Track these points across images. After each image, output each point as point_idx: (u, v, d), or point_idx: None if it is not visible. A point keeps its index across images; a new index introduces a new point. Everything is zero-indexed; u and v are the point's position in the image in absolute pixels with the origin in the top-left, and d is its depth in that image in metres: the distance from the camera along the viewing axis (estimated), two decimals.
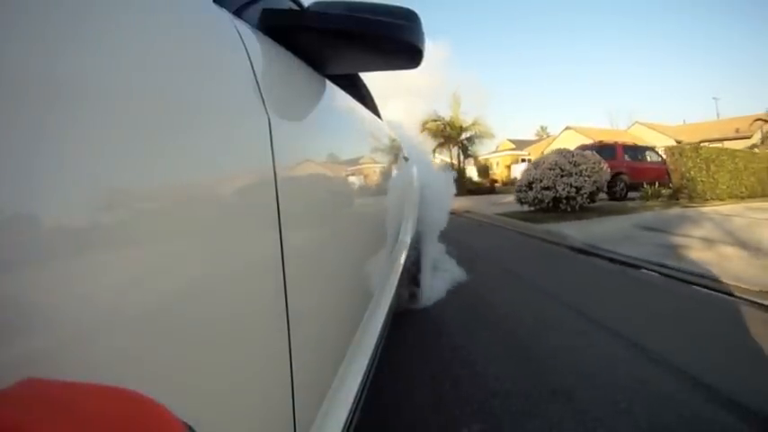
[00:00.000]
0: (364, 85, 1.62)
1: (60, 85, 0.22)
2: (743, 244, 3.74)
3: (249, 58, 0.43)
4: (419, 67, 0.74)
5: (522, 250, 4.40)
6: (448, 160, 16.18)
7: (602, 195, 8.51)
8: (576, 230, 4.72)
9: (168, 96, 0.30)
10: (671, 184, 8.69)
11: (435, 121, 16.05)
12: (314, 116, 0.65)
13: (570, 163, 6.43)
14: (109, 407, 0.18)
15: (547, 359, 1.65)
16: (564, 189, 6.30)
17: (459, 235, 4.54)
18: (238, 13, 0.52)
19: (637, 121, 27.45)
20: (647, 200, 8.59)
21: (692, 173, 8.55)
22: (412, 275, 2.17)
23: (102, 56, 0.25)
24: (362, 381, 0.72)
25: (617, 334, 1.93)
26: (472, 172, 19.23)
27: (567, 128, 26.97)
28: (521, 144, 30.40)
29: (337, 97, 0.86)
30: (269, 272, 0.41)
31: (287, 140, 0.48)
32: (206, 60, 0.37)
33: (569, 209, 6.37)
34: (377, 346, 0.88)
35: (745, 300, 2.42)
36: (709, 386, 1.44)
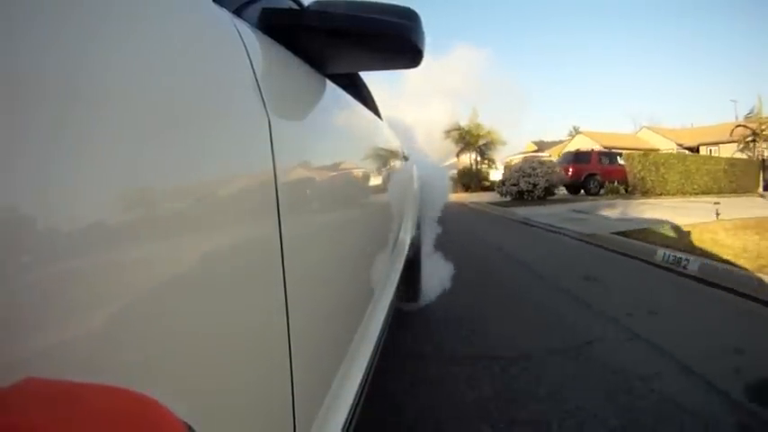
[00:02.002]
0: (364, 85, 1.62)
1: (58, 85, 0.22)
2: (623, 218, 6.00)
3: (249, 57, 0.43)
4: (418, 67, 0.74)
5: (482, 219, 7.50)
6: (467, 162, 20.27)
7: (582, 192, 12.45)
8: (525, 211, 7.41)
9: (167, 96, 0.30)
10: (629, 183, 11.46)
11: (457, 130, 20.08)
12: (314, 116, 0.65)
13: (530, 167, 9.77)
14: (109, 407, 0.18)
15: (463, 245, 3.85)
16: (524, 185, 9.60)
17: (453, 212, 6.42)
18: (238, 12, 0.51)
19: (644, 126, 30.04)
20: (608, 194, 11.27)
21: (641, 174, 11.00)
22: (411, 273, 2.17)
23: (101, 55, 0.25)
24: (362, 380, 0.72)
25: (495, 246, 4.41)
26: (498, 173, 21.73)
27: (579, 132, 30.24)
28: (543, 146, 32.71)
29: (337, 97, 0.86)
30: (269, 272, 0.41)
31: (287, 140, 0.48)
32: (206, 60, 0.37)
33: (530, 198, 9.56)
34: (377, 346, 0.88)
35: (574, 238, 4.73)
36: (509, 253, 3.96)
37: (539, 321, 2.07)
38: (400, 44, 0.67)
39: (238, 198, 0.38)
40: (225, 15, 0.44)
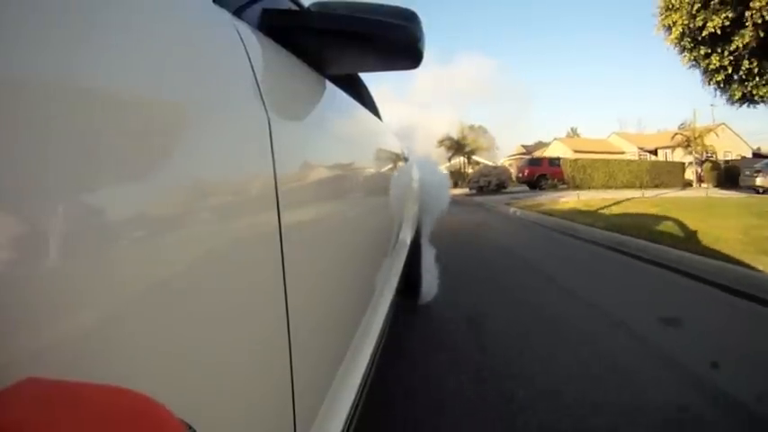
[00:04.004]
0: (364, 86, 1.62)
1: (57, 85, 0.22)
2: (530, 200, 9.51)
3: (249, 58, 0.43)
4: (418, 67, 0.74)
5: (452, 204, 11.05)
6: (457, 165, 25.64)
7: (537, 189, 16.56)
8: (481, 198, 11.38)
9: (168, 97, 0.30)
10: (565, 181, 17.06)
11: (449, 139, 25.32)
12: (314, 116, 0.65)
13: (487, 170, 15.39)
14: (109, 406, 0.18)
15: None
16: (482, 182, 14.81)
17: None
18: (238, 13, 0.51)
19: (614, 132, 34.36)
20: (550, 189, 15.68)
21: (572, 174, 16.96)
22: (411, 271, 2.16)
23: (101, 55, 0.25)
24: (363, 380, 0.72)
25: (453, 215, 5.59)
26: None
27: (555, 139, 34.50)
28: (535, 148, 35.92)
29: (337, 97, 0.86)
30: (269, 272, 0.41)
31: (287, 140, 0.48)
32: (206, 60, 0.37)
33: (487, 191, 14.08)
34: (377, 346, 0.88)
35: (487, 208, 9.08)
36: (449, 213, 4.37)
37: (445, 223, 4.70)
38: (400, 45, 0.67)
39: (238, 198, 0.38)
40: (225, 16, 0.44)
